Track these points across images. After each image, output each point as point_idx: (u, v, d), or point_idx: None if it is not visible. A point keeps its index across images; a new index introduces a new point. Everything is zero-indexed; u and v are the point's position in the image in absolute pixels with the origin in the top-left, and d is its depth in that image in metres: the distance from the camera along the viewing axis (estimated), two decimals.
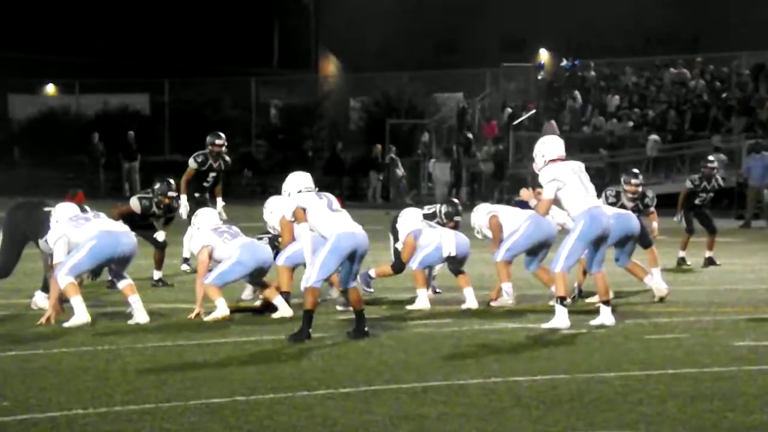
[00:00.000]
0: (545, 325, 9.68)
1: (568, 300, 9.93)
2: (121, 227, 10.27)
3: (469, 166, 33.50)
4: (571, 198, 9.84)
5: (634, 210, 12.22)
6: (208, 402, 6.81)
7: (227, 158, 14.29)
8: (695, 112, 31.58)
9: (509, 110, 35.10)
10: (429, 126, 35.85)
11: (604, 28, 38.13)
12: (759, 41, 33.52)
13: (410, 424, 6.23)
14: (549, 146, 10.08)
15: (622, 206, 12.21)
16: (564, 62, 36.73)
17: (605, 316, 9.87)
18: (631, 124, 32.57)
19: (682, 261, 15.33)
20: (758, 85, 31.51)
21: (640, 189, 12.41)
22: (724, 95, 31.49)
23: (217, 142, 14.09)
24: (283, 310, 10.31)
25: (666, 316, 10.49)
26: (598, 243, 9.85)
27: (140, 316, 9.93)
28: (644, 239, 12.11)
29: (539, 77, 37.23)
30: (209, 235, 10.50)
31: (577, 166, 10.05)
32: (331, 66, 43.45)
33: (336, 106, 38.31)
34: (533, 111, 34.88)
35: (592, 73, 35.64)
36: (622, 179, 12.56)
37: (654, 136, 30.74)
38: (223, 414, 6.51)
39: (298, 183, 10.08)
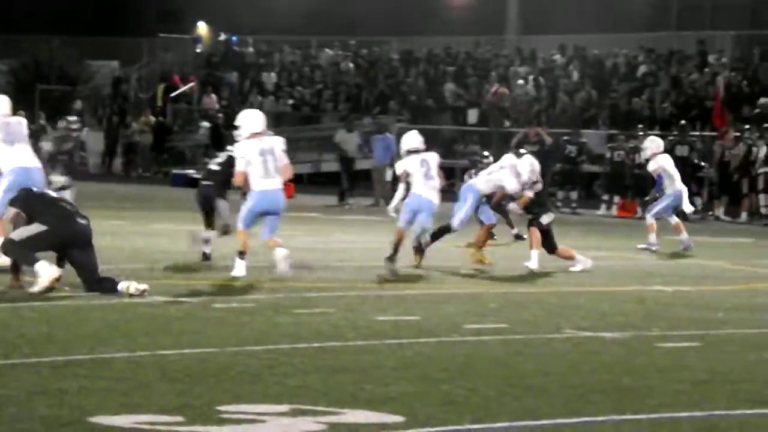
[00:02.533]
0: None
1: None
2: None
3: (124, 136, 32.73)
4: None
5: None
6: None
7: None
8: (349, 94, 32.51)
9: (166, 82, 34.64)
10: (82, 93, 34.69)
11: (262, 5, 38.46)
12: (409, 28, 34.99)
13: (49, 399, 5.99)
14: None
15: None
16: (222, 36, 36.67)
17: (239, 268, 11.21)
18: (291, 102, 33.01)
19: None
20: (408, 70, 32.90)
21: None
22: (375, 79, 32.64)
23: None
24: None
25: (315, 291, 10.73)
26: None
27: None
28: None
29: (197, 50, 36.97)
30: None
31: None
32: None
33: None
34: (192, 84, 34.61)
35: (251, 49, 35.79)
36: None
37: (205, 123, 31.15)
38: None
39: None
